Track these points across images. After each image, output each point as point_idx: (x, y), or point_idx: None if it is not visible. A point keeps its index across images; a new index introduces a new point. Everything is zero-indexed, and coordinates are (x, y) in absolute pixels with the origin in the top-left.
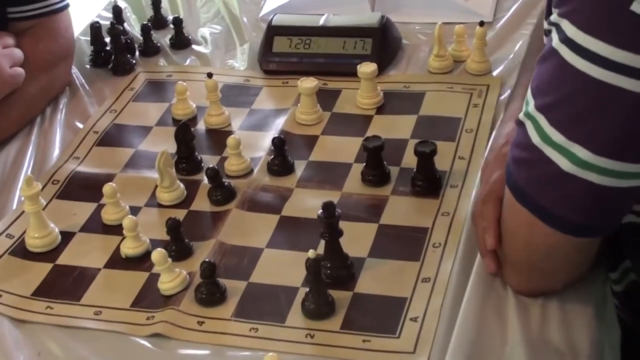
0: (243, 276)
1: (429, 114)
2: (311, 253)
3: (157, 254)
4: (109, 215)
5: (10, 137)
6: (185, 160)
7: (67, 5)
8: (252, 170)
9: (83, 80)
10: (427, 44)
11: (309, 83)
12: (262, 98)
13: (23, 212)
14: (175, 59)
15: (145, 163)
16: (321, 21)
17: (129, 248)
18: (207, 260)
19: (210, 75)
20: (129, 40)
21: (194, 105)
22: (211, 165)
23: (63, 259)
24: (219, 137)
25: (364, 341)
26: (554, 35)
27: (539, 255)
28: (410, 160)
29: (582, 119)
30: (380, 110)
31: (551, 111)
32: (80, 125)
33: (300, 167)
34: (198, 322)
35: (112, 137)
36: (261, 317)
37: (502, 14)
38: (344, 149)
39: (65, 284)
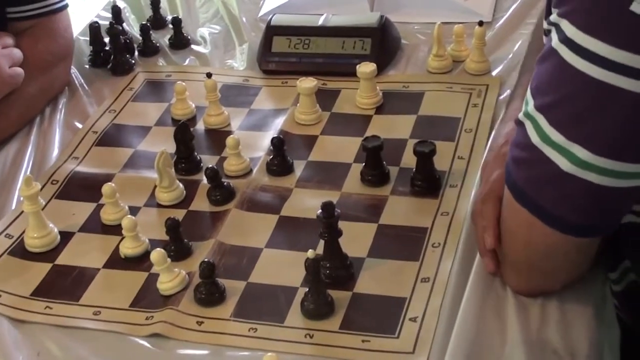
0: (242, 276)
1: (428, 113)
2: (310, 253)
3: (156, 254)
4: (108, 215)
5: (9, 137)
6: (185, 160)
7: (66, 5)
8: (251, 170)
9: (82, 80)
10: (426, 44)
11: (308, 83)
12: (261, 98)
13: (22, 212)
14: (174, 59)
15: (145, 163)
16: (320, 21)
17: (128, 248)
18: (206, 260)
19: (209, 75)
20: (128, 40)
21: (193, 105)
22: (210, 165)
23: (62, 259)
24: (218, 137)
25: (363, 341)
26: (554, 35)
27: (538, 255)
28: (409, 160)
29: (582, 119)
30: (379, 110)
31: (551, 111)
32: (80, 125)
33: (299, 167)
34: (197, 322)
35: (111, 137)
36: (260, 317)
37: (501, 14)
38: (343, 149)
39: (65, 284)
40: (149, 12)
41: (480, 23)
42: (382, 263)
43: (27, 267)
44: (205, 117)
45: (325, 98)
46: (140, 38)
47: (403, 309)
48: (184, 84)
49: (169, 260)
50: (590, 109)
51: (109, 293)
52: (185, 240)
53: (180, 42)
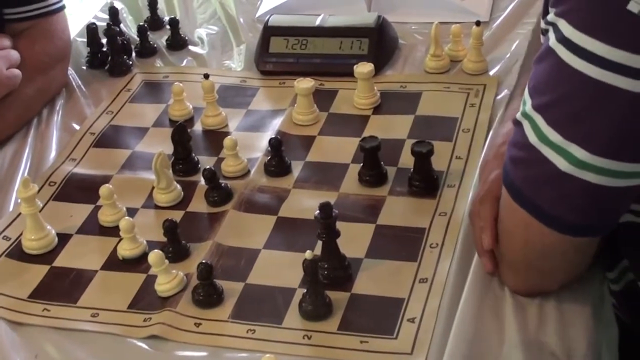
0: (240, 277)
1: (425, 113)
2: (308, 254)
3: (154, 256)
4: (105, 217)
5: (6, 139)
6: (182, 162)
7: (63, 7)
8: (249, 171)
9: (79, 82)
10: (424, 44)
11: (305, 83)
12: (259, 99)
13: (20, 214)
14: (171, 60)
15: (142, 164)
16: (317, 21)
17: (125, 250)
18: (204, 261)
19: (206, 76)
20: (125, 42)
21: (191, 106)
22: (208, 167)
23: (60, 261)
24: (215, 138)
25: (361, 342)
26: (551, 35)
27: (536, 254)
28: (407, 160)
29: (579, 119)
30: (377, 110)
31: (548, 111)
32: (77, 127)
33: (297, 167)
34: (195, 324)
35: (108, 139)
36: (258, 318)
37: (498, 14)
38: (340, 149)
39: (62, 286)
40: (146, 13)
41: (478, 23)
42: (380, 264)
43: (24, 269)
44: (202, 118)
45: (323, 98)
46: (138, 39)
47: (401, 310)
48: (181, 85)
49: (166, 261)
50: (588, 109)
51: (107, 295)
52: (183, 241)
53: (178, 43)
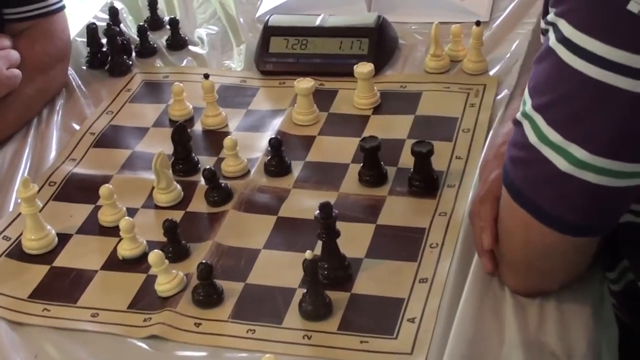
0: (240, 277)
1: (425, 113)
2: (308, 254)
3: (154, 256)
4: (105, 217)
5: (6, 139)
6: (182, 162)
7: (63, 7)
8: (249, 171)
9: (79, 82)
10: (424, 44)
11: (305, 83)
12: (259, 99)
13: (20, 214)
14: (171, 60)
15: (142, 164)
16: (317, 21)
17: (125, 250)
18: (204, 261)
19: (206, 76)
20: (125, 42)
21: (191, 106)
22: (208, 167)
23: (60, 261)
24: (215, 138)
25: (361, 342)
26: (551, 35)
27: (536, 254)
28: (407, 160)
29: (579, 119)
30: (377, 110)
31: (548, 111)
32: (77, 127)
33: (297, 167)
34: (195, 324)
35: (108, 139)
36: (258, 318)
37: (498, 14)
38: (341, 149)
39: (62, 286)
40: (146, 13)
41: (478, 23)
42: (380, 264)
43: (24, 269)
44: (202, 118)
45: (323, 98)
46: (138, 39)
47: (401, 310)
48: (181, 85)
49: (166, 261)
50: (588, 109)
51: (107, 295)
52: (183, 241)
53: (178, 43)
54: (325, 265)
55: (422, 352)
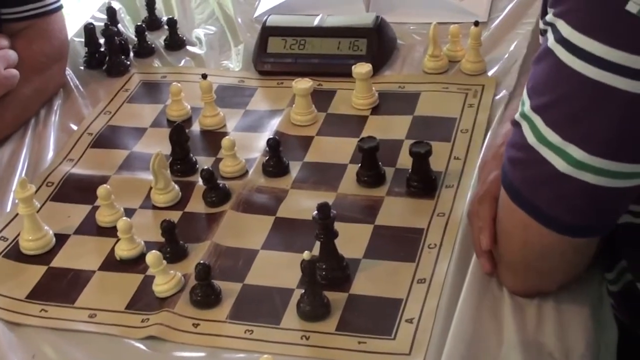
0: (238, 278)
1: (424, 114)
2: (306, 254)
3: (152, 256)
4: (103, 217)
5: (4, 139)
6: (180, 162)
7: (60, 7)
8: (247, 172)
9: (77, 82)
10: (422, 44)
11: (303, 84)
12: (257, 99)
13: (17, 214)
14: (169, 60)
15: (140, 165)
16: (316, 22)
17: (123, 250)
18: (202, 262)
19: (204, 76)
20: (123, 42)
21: (189, 107)
22: (206, 167)
23: (57, 262)
24: (213, 138)
25: (359, 343)
26: (550, 35)
27: (535, 255)
28: (405, 160)
29: (578, 119)
30: (375, 110)
31: (547, 111)
32: (75, 127)
33: (295, 168)
34: (193, 324)
35: (106, 139)
36: (256, 319)
37: (496, 14)
38: (339, 149)
39: (60, 287)
40: (144, 13)
41: (476, 23)
42: (378, 264)
43: (22, 269)
44: (200, 118)
45: (321, 99)
46: (136, 39)
47: (399, 310)
48: (179, 85)
49: (164, 262)
50: (586, 109)
51: (105, 295)
52: (181, 242)
53: (176, 43)
54: (323, 266)
55: (420, 352)
